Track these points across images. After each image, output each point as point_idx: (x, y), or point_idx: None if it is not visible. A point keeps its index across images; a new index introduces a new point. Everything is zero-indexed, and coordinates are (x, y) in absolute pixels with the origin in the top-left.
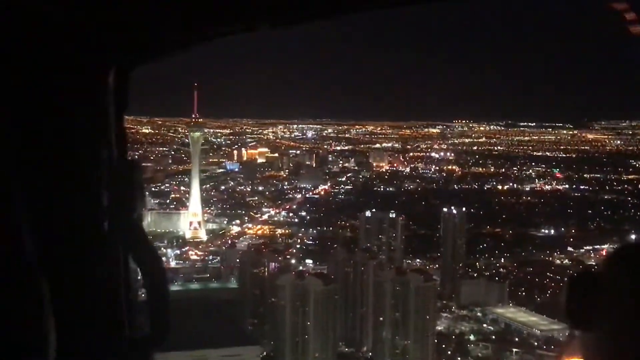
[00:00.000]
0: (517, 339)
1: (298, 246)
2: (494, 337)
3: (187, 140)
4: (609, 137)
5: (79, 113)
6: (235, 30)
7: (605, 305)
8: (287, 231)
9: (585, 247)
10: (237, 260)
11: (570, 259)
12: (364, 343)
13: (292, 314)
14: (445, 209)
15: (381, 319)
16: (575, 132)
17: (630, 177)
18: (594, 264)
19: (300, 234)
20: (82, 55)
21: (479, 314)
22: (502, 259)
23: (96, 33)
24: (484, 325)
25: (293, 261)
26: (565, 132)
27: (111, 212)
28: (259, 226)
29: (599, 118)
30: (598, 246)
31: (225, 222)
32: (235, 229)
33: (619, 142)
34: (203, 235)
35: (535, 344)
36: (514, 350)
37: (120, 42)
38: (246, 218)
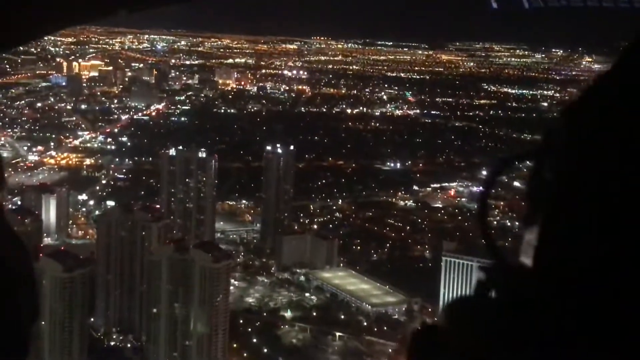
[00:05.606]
0: (343, 316)
1: (104, 182)
2: (315, 313)
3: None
4: (463, 58)
5: None
6: (94, 18)
7: None
8: (96, 162)
9: (432, 185)
10: None
11: (416, 199)
12: (142, 331)
13: None
14: (269, 147)
15: (155, 310)
16: (431, 52)
17: (482, 101)
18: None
19: (112, 165)
20: None
21: (302, 277)
22: (340, 200)
23: None
24: (307, 295)
25: (92, 202)
26: (420, 52)
27: None
28: (65, 154)
29: (453, 39)
30: (446, 184)
31: (25, 147)
32: (32, 158)
33: (472, 64)
34: None
35: (365, 323)
36: (337, 334)
37: None
38: (52, 144)
